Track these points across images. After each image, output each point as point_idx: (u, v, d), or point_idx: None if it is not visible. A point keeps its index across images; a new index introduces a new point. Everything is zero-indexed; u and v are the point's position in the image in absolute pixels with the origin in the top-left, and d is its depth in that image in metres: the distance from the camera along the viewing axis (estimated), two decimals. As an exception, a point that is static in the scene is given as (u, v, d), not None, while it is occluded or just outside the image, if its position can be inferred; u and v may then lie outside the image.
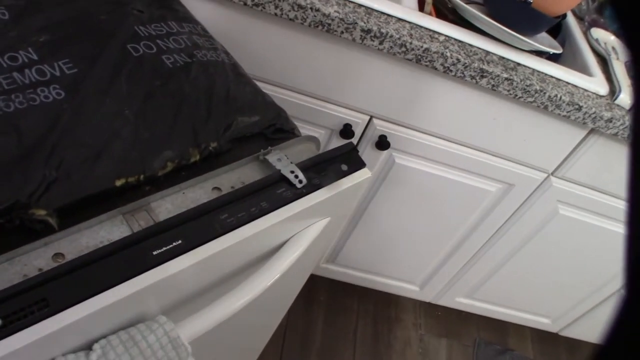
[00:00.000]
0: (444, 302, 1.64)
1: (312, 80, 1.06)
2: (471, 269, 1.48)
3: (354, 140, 1.15)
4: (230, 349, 1.01)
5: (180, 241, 0.62)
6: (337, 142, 1.14)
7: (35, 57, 0.73)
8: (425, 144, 1.14)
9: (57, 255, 0.60)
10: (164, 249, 0.61)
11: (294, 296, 0.98)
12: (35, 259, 0.59)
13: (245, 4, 0.92)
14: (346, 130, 1.11)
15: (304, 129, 1.14)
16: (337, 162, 0.77)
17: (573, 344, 1.88)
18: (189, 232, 0.63)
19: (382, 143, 1.12)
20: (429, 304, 1.74)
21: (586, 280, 1.49)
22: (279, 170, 0.71)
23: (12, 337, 0.52)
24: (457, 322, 1.80)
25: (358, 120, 1.11)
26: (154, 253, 0.61)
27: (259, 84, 1.05)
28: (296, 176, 0.72)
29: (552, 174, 1.21)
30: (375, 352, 1.62)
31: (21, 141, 0.64)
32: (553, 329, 1.74)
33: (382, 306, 1.74)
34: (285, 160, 0.73)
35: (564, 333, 1.76)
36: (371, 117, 1.11)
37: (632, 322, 0.29)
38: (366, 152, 1.17)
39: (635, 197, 0.30)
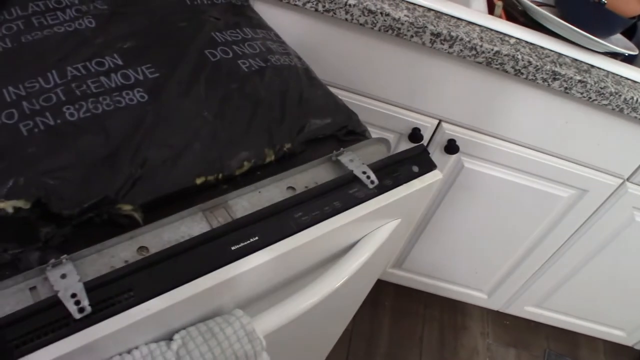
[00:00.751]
0: (512, 310, 1.60)
1: (382, 85, 1.07)
2: (541, 277, 1.44)
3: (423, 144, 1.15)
4: (299, 350, 1.03)
5: (257, 237, 0.64)
6: (406, 146, 1.14)
7: (120, 62, 0.77)
8: (495, 148, 1.13)
9: (142, 248, 0.63)
10: (242, 244, 0.63)
11: (363, 297, 0.99)
12: (122, 252, 0.62)
13: (316, 10, 0.94)
14: (415, 134, 1.11)
15: (373, 133, 1.14)
16: (408, 163, 0.78)
17: (649, 359, 1.81)
18: (266, 229, 0.65)
19: (451, 147, 1.12)
20: (497, 312, 1.71)
21: (664, 292, 1.43)
22: (352, 171, 0.73)
23: (100, 324, 0.54)
24: (526, 331, 1.76)
25: (427, 125, 1.11)
26: (233, 248, 0.63)
27: (332, 90, 1.08)
28: (368, 177, 0.73)
29: (627, 179, 1.17)
30: (441, 359, 1.60)
31: (108, 140, 0.67)
32: (628, 342, 1.67)
33: (449, 313, 1.72)
34: (357, 161, 0.74)
35: (640, 347, 1.69)
36: (440, 121, 1.11)
37: None
38: (435, 156, 1.16)
39: None
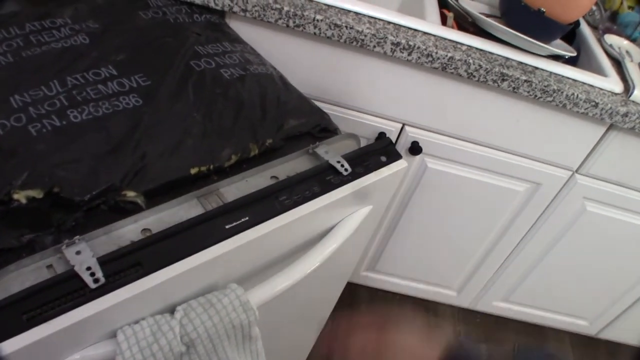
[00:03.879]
0: (481, 307, 1.70)
1: (349, 93, 1.17)
2: (506, 271, 1.55)
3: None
4: (288, 329, 1.10)
5: (247, 218, 0.72)
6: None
7: (115, 72, 0.85)
8: (454, 147, 1.24)
9: (145, 230, 0.70)
10: (234, 224, 0.71)
11: (343, 283, 1.07)
12: (127, 233, 0.69)
13: (287, 25, 1.04)
14: (381, 138, 1.21)
15: (342, 139, 1.24)
16: (376, 154, 0.87)
17: (613, 349, 1.91)
18: (255, 211, 0.73)
19: (415, 148, 1.22)
20: (468, 310, 1.80)
21: (619, 279, 1.54)
22: (327, 161, 0.82)
23: (113, 292, 0.61)
24: (495, 328, 1.85)
25: (392, 129, 1.22)
26: (226, 227, 0.71)
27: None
28: (342, 165, 0.82)
29: (576, 171, 1.29)
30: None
31: (110, 138, 0.75)
32: (591, 331, 1.78)
33: (422, 314, 1.80)
34: (332, 153, 0.83)
35: (602, 335, 1.79)
36: (403, 124, 1.22)
37: None
38: (400, 158, 1.27)
39: None
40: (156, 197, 0.73)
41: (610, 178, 1.28)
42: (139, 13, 0.99)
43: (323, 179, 0.81)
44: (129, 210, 0.71)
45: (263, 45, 1.08)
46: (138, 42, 0.92)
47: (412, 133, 1.22)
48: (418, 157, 1.26)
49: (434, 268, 1.56)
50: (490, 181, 1.30)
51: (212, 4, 1.03)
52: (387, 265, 1.56)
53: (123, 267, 0.64)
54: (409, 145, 1.23)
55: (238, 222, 0.72)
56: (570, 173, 1.29)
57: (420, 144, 1.22)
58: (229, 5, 1.03)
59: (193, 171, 0.76)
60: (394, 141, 1.25)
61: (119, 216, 0.70)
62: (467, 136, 1.22)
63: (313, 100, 1.18)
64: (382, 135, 1.21)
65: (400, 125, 1.22)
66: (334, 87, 1.16)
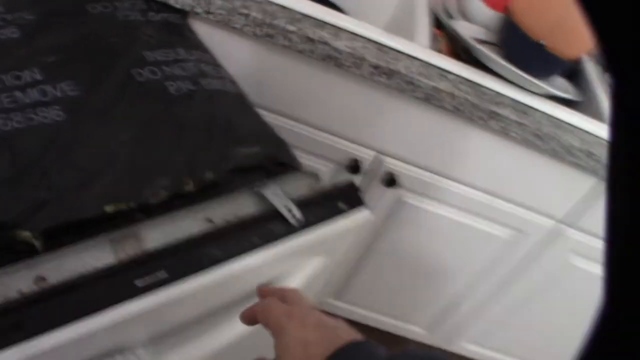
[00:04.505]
0: (452, 347, 1.59)
1: (321, 113, 1.05)
2: (481, 315, 1.43)
3: (361, 177, 1.14)
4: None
5: (164, 272, 0.61)
6: (344, 177, 1.13)
7: (39, 77, 0.73)
8: (434, 184, 1.12)
9: (39, 278, 0.59)
10: (147, 279, 0.60)
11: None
12: (17, 281, 0.58)
13: (254, 33, 0.92)
14: (353, 166, 1.10)
15: (311, 162, 1.13)
16: (335, 199, 0.76)
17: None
18: (175, 264, 0.62)
19: (390, 181, 1.11)
20: (438, 349, 1.70)
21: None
22: (273, 205, 0.70)
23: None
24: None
25: (366, 156, 1.10)
26: (137, 283, 0.59)
27: (267, 114, 1.05)
28: (290, 211, 0.70)
29: (562, 222, 1.18)
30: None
31: (14, 161, 0.63)
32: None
33: (390, 348, 1.70)
34: (281, 195, 0.72)
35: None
36: (379, 153, 1.10)
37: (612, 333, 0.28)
38: (374, 189, 1.15)
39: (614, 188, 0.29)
40: (61, 236, 0.62)
41: (598, 233, 1.18)
42: (86, 6, 0.87)
43: (266, 228, 0.69)
44: (22, 252, 0.60)
45: (229, 53, 0.96)
46: (77, 40, 0.80)
47: (388, 163, 1.11)
48: (394, 189, 1.14)
49: (404, 303, 1.46)
50: (470, 223, 1.19)
51: (171, 2, 0.91)
52: (354, 295, 1.45)
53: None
54: (384, 176, 1.11)
55: (152, 278, 0.60)
56: (557, 223, 1.18)
57: (397, 177, 1.11)
58: (190, 5, 0.91)
59: (109, 209, 0.64)
60: (368, 170, 1.13)
61: (10, 259, 0.59)
62: (449, 173, 1.11)
63: (281, 117, 1.06)
64: (354, 163, 1.10)
65: (375, 154, 1.10)
66: (305, 105, 1.04)
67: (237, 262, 0.65)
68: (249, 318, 0.49)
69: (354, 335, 0.45)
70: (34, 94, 0.71)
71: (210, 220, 0.69)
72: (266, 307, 0.48)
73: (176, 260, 0.62)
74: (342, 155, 1.10)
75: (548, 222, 1.17)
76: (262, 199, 0.72)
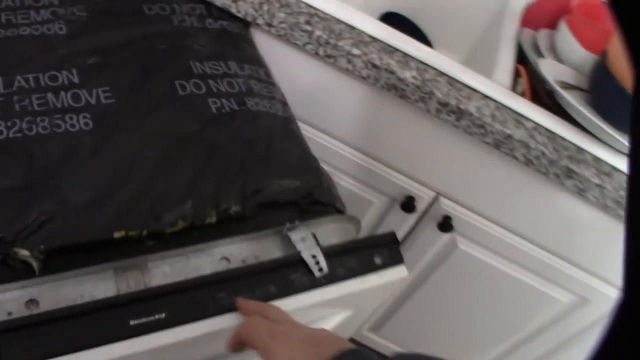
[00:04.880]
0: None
1: (380, 143, 0.97)
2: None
3: (416, 217, 1.05)
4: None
5: (163, 314, 0.55)
6: (397, 214, 1.04)
7: (76, 80, 0.69)
8: (493, 234, 1.02)
9: (32, 302, 0.55)
10: (144, 320, 0.54)
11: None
12: (8, 302, 0.54)
13: (316, 53, 0.86)
14: (408, 203, 1.01)
15: (364, 192, 1.05)
16: (372, 251, 0.67)
17: None
18: (177, 306, 0.56)
19: (445, 225, 1.01)
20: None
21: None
22: (299, 252, 0.63)
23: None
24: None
25: (423, 195, 1.01)
26: (131, 323, 0.54)
27: (325, 138, 0.98)
28: (317, 262, 0.63)
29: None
30: None
31: (30, 170, 0.60)
32: None
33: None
34: (309, 241, 0.64)
35: None
36: (437, 194, 1.01)
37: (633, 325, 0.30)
38: (427, 231, 1.06)
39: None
40: (63, 257, 0.57)
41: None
42: (143, 6, 0.83)
43: (286, 277, 0.62)
44: (18, 270, 0.55)
45: (289, 69, 0.90)
46: (122, 43, 0.76)
47: (446, 206, 1.01)
48: (448, 233, 1.05)
49: (441, 351, 1.35)
50: (528, 281, 1.07)
51: (233, 10, 0.86)
52: (393, 332, 1.36)
53: (-26, 355, 0.49)
54: (440, 219, 1.02)
55: (149, 319, 0.55)
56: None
57: (453, 221, 1.01)
58: (252, 15, 0.85)
59: (117, 235, 0.59)
60: (423, 210, 1.04)
61: (6, 277, 0.55)
62: (511, 226, 1.00)
63: (336, 142, 0.99)
64: (410, 200, 1.01)
65: (433, 194, 1.01)
66: (363, 133, 0.97)
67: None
68: (236, 345, 0.50)
69: (342, 343, 0.45)
70: (66, 98, 0.67)
71: (226, 259, 0.63)
72: (249, 328, 0.49)
73: (179, 302, 0.56)
74: (398, 190, 1.02)
75: (615, 292, 1.04)
76: (289, 241, 0.65)
